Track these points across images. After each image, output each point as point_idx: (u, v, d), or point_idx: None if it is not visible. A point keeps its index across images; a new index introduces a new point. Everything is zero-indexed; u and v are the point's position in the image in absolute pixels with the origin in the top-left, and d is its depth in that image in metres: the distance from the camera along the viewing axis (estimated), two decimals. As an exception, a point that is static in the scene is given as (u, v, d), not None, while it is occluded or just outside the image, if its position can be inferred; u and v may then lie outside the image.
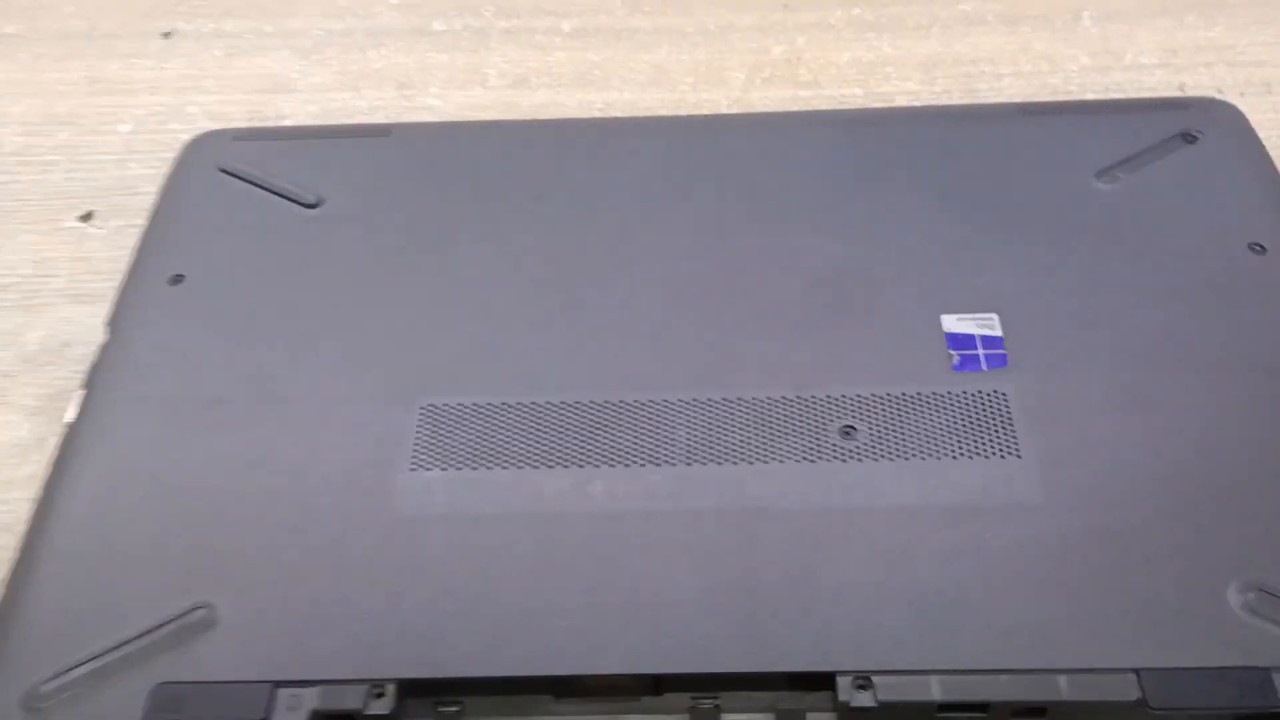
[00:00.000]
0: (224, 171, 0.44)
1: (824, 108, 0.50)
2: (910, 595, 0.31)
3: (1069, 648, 0.30)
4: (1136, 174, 0.42)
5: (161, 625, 0.32)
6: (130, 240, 0.46)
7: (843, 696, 0.29)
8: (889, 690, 0.29)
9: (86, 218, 0.48)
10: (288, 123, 0.51)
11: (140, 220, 0.46)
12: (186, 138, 0.49)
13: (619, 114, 0.50)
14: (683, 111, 0.50)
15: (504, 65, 0.53)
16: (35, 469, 0.39)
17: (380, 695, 0.30)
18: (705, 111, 0.50)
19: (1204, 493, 0.33)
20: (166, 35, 0.56)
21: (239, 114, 0.52)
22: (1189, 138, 0.43)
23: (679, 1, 0.55)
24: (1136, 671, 0.29)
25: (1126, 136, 0.43)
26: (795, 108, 0.50)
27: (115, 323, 0.40)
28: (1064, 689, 0.29)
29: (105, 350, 0.39)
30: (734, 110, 0.50)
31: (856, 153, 0.44)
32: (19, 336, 0.43)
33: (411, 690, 0.31)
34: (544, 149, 0.45)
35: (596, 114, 0.51)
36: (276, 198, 0.43)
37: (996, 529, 0.32)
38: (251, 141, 0.46)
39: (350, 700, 0.30)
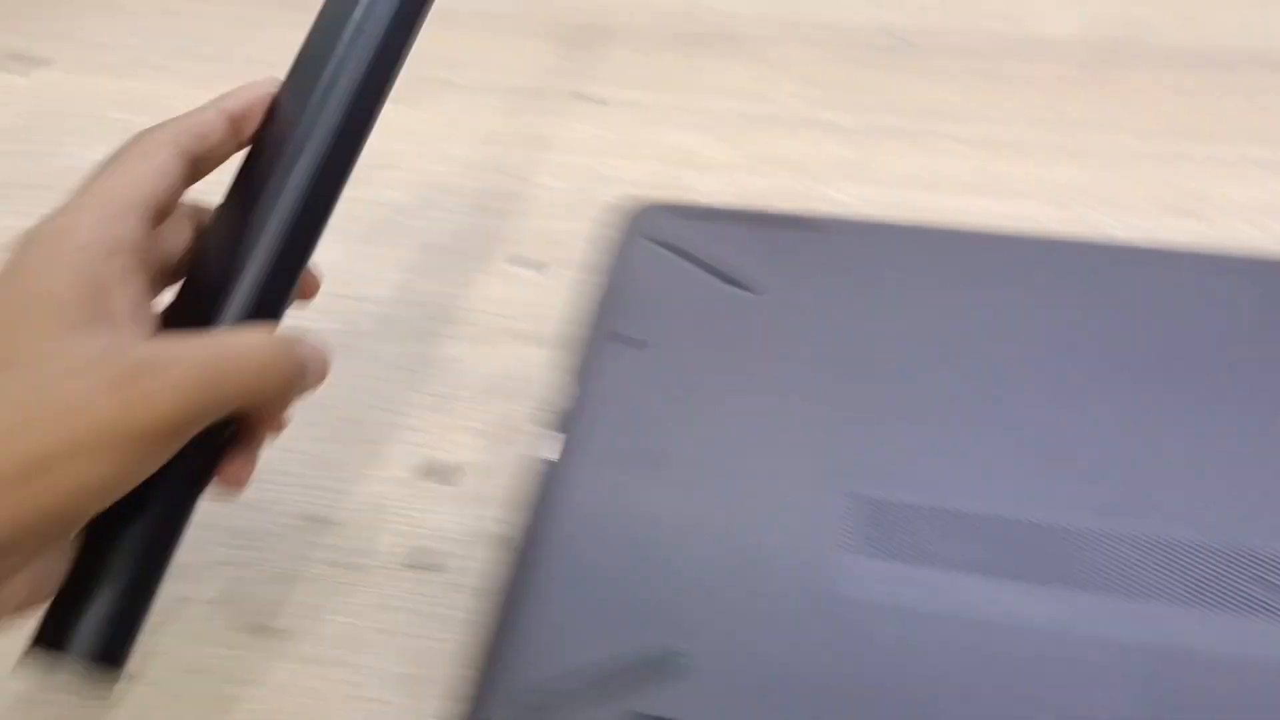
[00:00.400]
0: (662, 244, 0.49)
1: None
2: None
3: None
4: None
5: (640, 661, 0.37)
6: (564, 287, 0.52)
7: None
8: None
9: (519, 263, 0.54)
10: (695, 195, 0.56)
11: (572, 272, 0.52)
12: (606, 197, 0.54)
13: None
14: (1084, 231, 0.53)
15: (905, 169, 0.57)
16: (487, 489, 0.45)
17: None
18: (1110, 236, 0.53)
19: None
20: (600, 101, 0.62)
21: (648, 180, 0.57)
22: None
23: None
24: None
25: None
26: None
27: (582, 375, 0.45)
28: None
29: (578, 399, 0.44)
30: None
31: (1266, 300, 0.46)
32: (472, 365, 0.50)
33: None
34: (966, 258, 0.48)
35: (995, 224, 0.53)
36: (713, 277, 0.48)
37: None
38: (688, 220, 0.51)
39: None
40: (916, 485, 0.41)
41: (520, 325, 0.51)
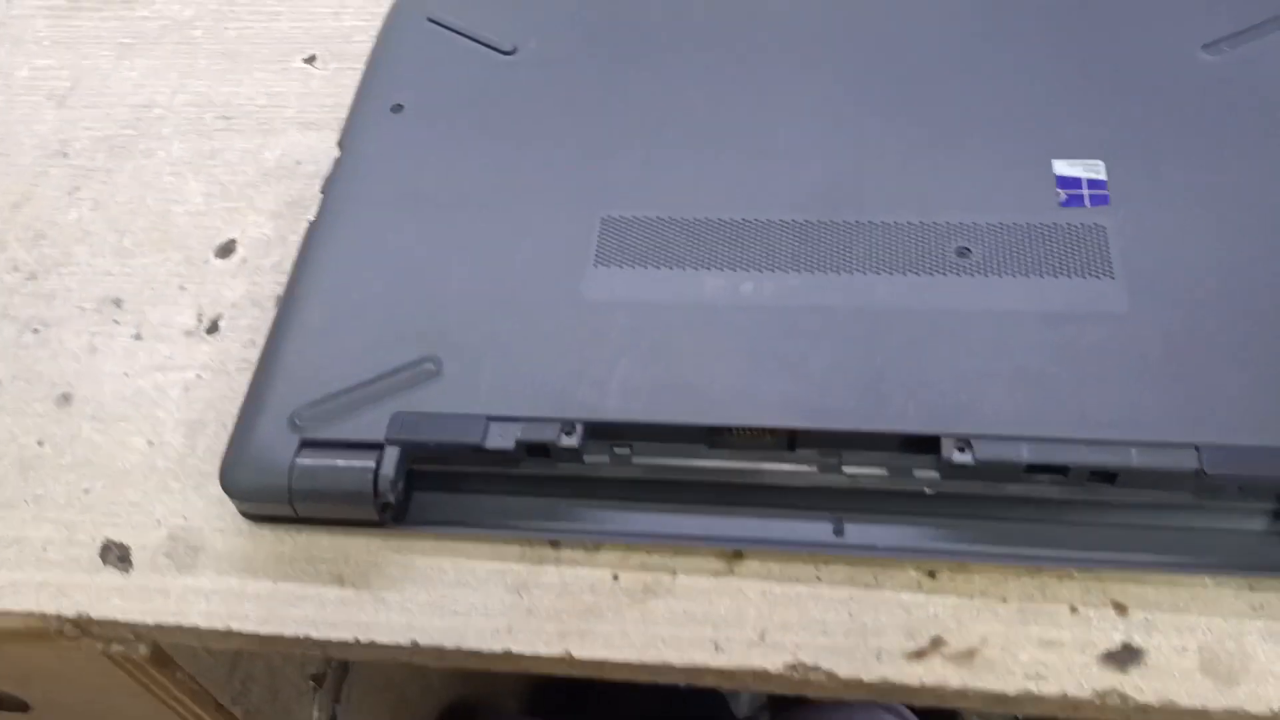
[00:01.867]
0: (432, 21, 0.52)
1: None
2: (1008, 378, 0.37)
3: (1141, 425, 0.36)
4: (1241, 49, 0.46)
5: (398, 370, 0.40)
6: (348, 80, 0.54)
7: (945, 455, 0.36)
8: (986, 451, 0.36)
9: (310, 60, 0.55)
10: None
11: (356, 64, 0.54)
12: (393, -4, 0.56)
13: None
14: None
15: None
16: (279, 258, 0.48)
17: (570, 432, 0.38)
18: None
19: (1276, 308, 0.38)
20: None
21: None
22: (1296, 19, 0.47)
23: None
24: (1196, 446, 0.35)
25: (1236, 9, 0.47)
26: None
27: (345, 142, 0.48)
28: (1134, 457, 0.35)
29: (338, 164, 0.47)
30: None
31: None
32: (259, 154, 0.52)
33: (594, 432, 0.38)
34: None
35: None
36: (479, 45, 0.50)
37: (1086, 331, 0.38)
38: (456, -5, 0.53)
39: (547, 434, 0.38)
40: (650, 202, 0.44)
41: (305, 115, 0.53)
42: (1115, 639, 0.36)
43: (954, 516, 0.38)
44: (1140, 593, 0.36)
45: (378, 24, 0.54)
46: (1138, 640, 0.35)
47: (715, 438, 0.39)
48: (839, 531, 0.38)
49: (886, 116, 0.45)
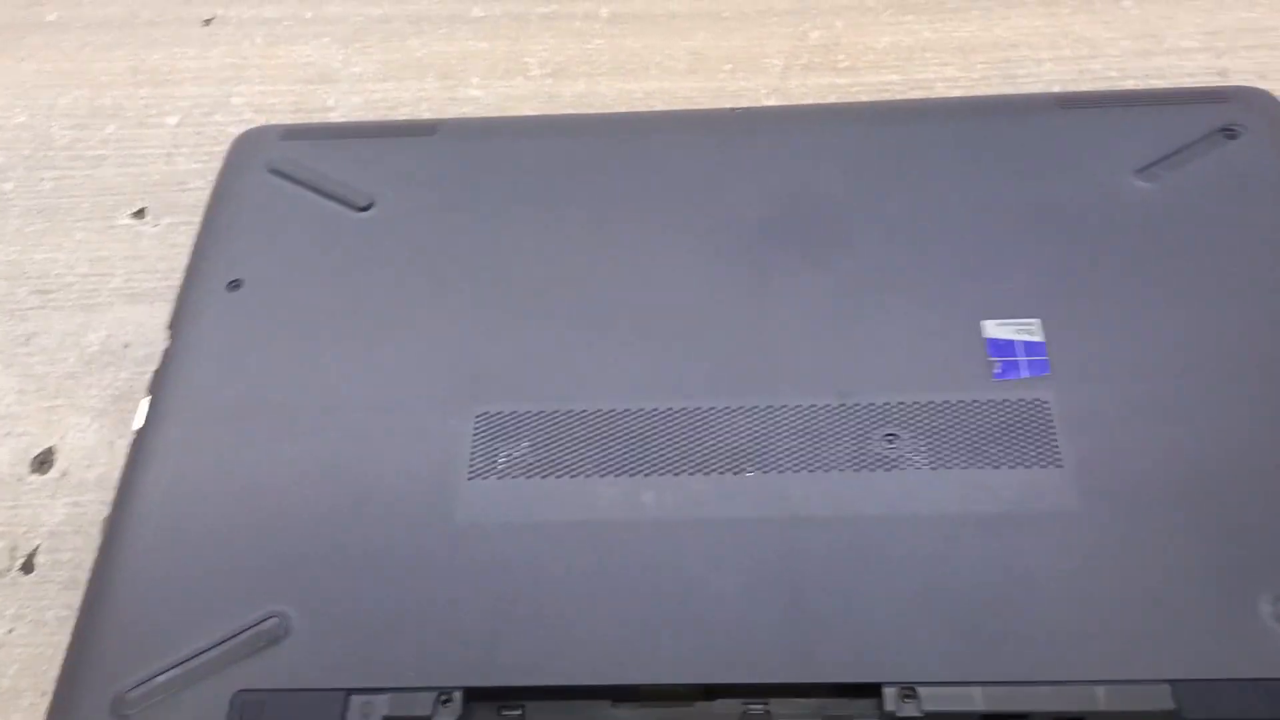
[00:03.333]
0: (274, 172, 0.45)
1: (862, 96, 0.50)
2: (951, 605, 0.32)
3: (1105, 658, 0.31)
4: (1177, 171, 0.42)
5: (238, 634, 0.33)
6: (182, 237, 0.47)
7: (889, 706, 0.31)
8: (933, 700, 0.31)
9: (139, 215, 0.49)
10: (333, 115, 0.52)
11: (191, 217, 0.48)
12: (234, 130, 0.50)
13: (659, 104, 0.51)
14: (722, 100, 0.51)
15: (543, 54, 0.53)
16: (104, 470, 0.41)
17: (447, 701, 0.32)
18: (744, 99, 0.51)
19: (1237, 503, 0.34)
20: (207, 22, 0.56)
21: (283, 105, 0.52)
22: (1230, 133, 0.43)
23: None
24: (1171, 683, 0.30)
25: (1166, 131, 0.43)
26: (833, 95, 0.50)
27: (176, 327, 0.41)
28: (1101, 699, 0.30)
29: (168, 356, 0.40)
30: (772, 99, 0.50)
31: (893, 148, 0.44)
32: (80, 338, 0.45)
33: (477, 696, 0.32)
34: (587, 146, 0.45)
35: (636, 103, 0.51)
36: (328, 200, 0.44)
37: (1035, 538, 0.33)
38: (299, 140, 0.46)
39: (420, 708, 0.32)
40: (541, 394, 0.38)
41: (133, 284, 0.46)
42: None
43: (902, 768, 0.33)
44: None
45: (215, 165, 0.47)
46: None
47: (621, 694, 0.33)
48: (772, 795, 0.33)
49: (793, 286, 0.40)
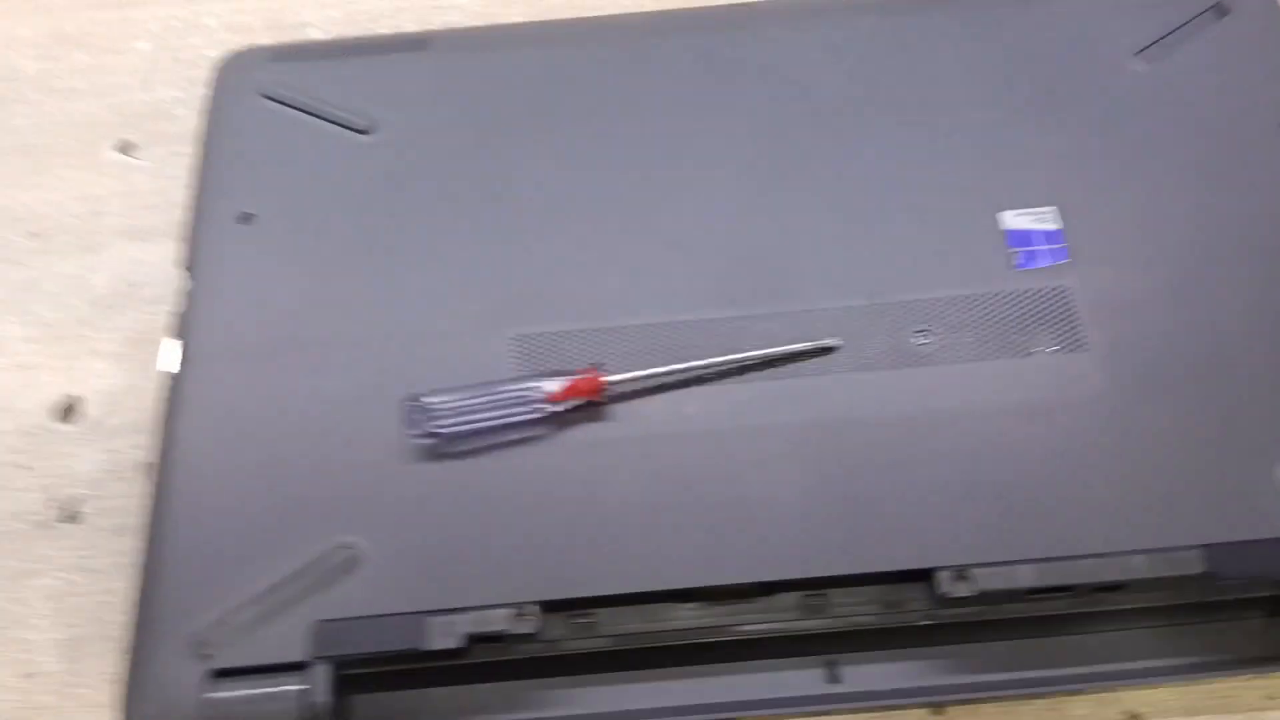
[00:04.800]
0: (267, 97, 0.44)
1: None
2: (993, 490, 0.34)
3: (1138, 529, 0.33)
4: (1174, 50, 0.43)
5: (309, 566, 0.34)
6: (176, 170, 0.46)
7: (943, 589, 0.33)
8: (985, 580, 0.33)
9: (126, 148, 0.47)
10: (311, 30, 0.50)
11: (181, 147, 0.46)
12: (212, 54, 0.48)
13: (650, 3, 0.50)
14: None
15: (524, -47, 0.52)
16: (133, 415, 0.41)
17: (525, 616, 0.33)
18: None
19: (1249, 378, 0.36)
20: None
21: (258, 23, 0.50)
22: (1220, 9, 0.44)
23: None
24: (1201, 548, 0.33)
25: (1161, 10, 0.44)
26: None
27: (193, 266, 0.40)
28: (1139, 567, 0.33)
29: (190, 298, 0.40)
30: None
31: (897, 42, 0.44)
32: (85, 280, 0.44)
33: (551, 608, 0.34)
34: (589, 53, 0.45)
35: (628, 3, 0.50)
36: (328, 124, 0.43)
37: (1066, 422, 0.35)
38: (288, 63, 0.45)
39: (499, 623, 0.33)
40: (566, 311, 0.38)
41: (131, 221, 0.45)
42: (1135, 754, 0.34)
43: (954, 644, 0.35)
44: (1153, 698, 0.34)
45: (198, 91, 0.46)
46: (1158, 752, 0.34)
47: (686, 595, 0.34)
48: (834, 678, 0.35)
49: (811, 188, 0.40)
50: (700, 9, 0.47)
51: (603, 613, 0.34)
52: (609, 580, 0.34)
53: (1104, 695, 0.34)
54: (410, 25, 0.50)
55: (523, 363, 0.37)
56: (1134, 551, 0.33)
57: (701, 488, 0.35)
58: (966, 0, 0.45)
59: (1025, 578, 0.33)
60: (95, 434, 0.40)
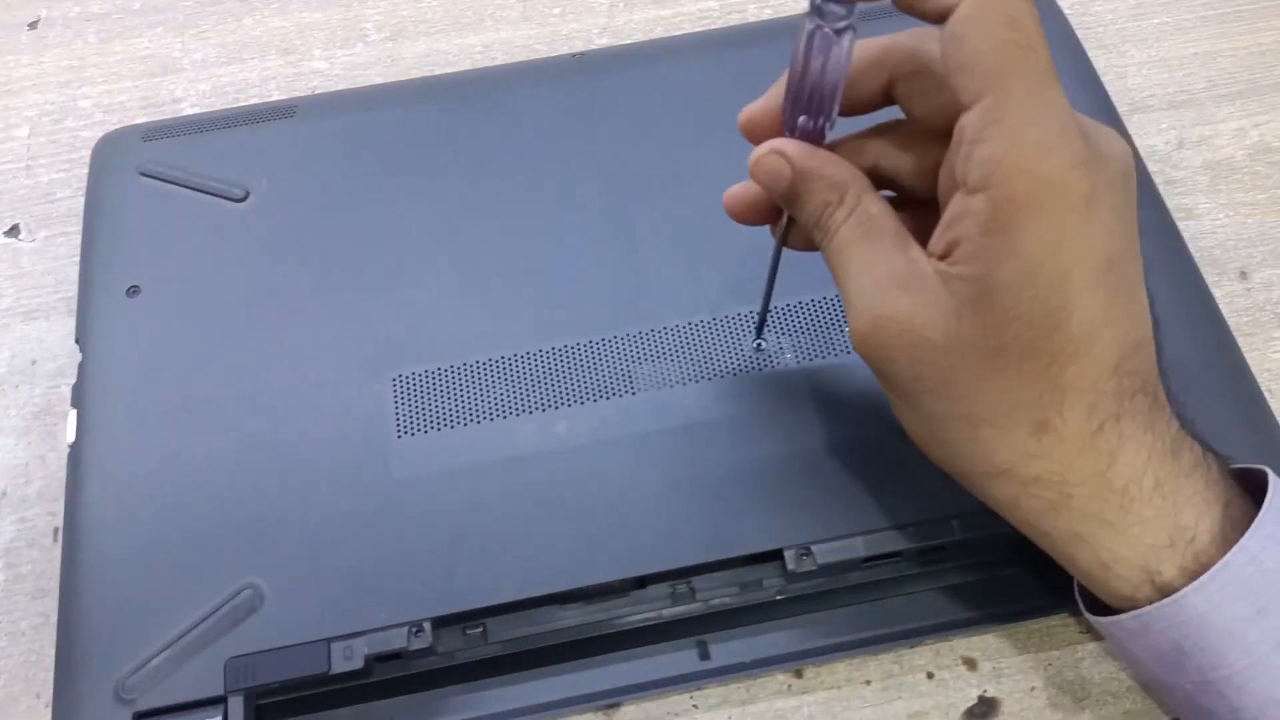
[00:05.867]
0: (144, 174, 0.47)
1: (686, 26, 0.54)
2: (830, 474, 0.39)
3: (956, 495, 0.38)
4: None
5: (218, 609, 0.37)
6: (62, 249, 0.49)
7: (790, 565, 0.37)
8: (825, 554, 0.37)
9: (13, 232, 0.49)
10: (184, 105, 0.53)
11: (66, 228, 0.49)
12: (88, 135, 0.51)
13: (501, 56, 0.54)
14: (557, 44, 0.54)
15: (379, 17, 0.55)
16: (42, 484, 0.43)
17: (419, 632, 0.37)
18: (578, 41, 0.54)
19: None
20: (33, 25, 0.56)
21: (132, 102, 0.53)
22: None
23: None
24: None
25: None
26: (659, 28, 0.54)
27: (83, 340, 0.43)
28: (956, 530, 0.37)
29: (84, 368, 0.42)
30: (604, 38, 0.54)
31: (721, 74, 0.48)
32: (-15, 360, 0.46)
33: (442, 623, 0.37)
34: (444, 109, 0.48)
35: (479, 58, 0.54)
36: (204, 195, 0.46)
37: (885, 408, 0.40)
38: (163, 139, 0.48)
39: (395, 642, 0.36)
40: (440, 350, 0.42)
41: (24, 301, 0.48)
42: (971, 694, 0.38)
43: (807, 613, 0.39)
44: (985, 644, 0.39)
45: (79, 172, 0.49)
46: (991, 690, 0.38)
47: (565, 598, 0.38)
48: (704, 655, 0.39)
49: (656, 217, 0.45)
50: (542, 60, 0.51)
51: (491, 622, 0.38)
52: (494, 591, 0.37)
53: (940, 645, 0.39)
54: (277, 93, 0.53)
55: (404, 401, 0.41)
56: (949, 517, 0.38)
57: (572, 498, 0.39)
58: (780, 33, 0.50)
59: (859, 548, 0.37)
60: (6, 505, 0.43)
